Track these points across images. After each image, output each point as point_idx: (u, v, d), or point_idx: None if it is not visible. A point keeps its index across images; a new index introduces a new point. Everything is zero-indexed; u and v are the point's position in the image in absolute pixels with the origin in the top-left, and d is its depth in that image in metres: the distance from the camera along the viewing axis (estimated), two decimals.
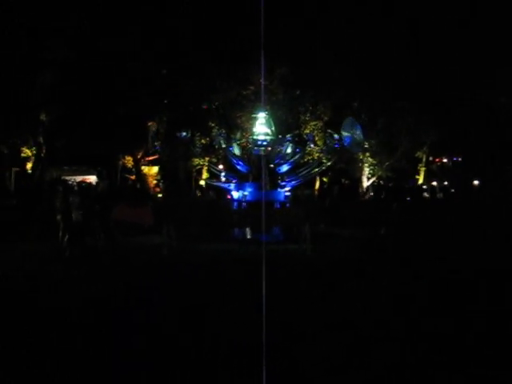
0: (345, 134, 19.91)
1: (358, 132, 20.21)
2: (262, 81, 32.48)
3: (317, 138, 33.77)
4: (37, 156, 34.92)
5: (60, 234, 15.25)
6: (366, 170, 42.04)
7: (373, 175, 42.48)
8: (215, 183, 26.50)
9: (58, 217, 15.29)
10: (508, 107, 38.95)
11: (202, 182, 39.60)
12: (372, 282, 11.72)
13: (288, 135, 21.64)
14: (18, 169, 37.27)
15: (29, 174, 35.48)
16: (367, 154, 39.18)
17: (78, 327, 8.11)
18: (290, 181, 21.06)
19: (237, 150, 21.07)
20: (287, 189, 21.01)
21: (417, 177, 47.60)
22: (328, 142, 21.74)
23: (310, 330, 8.09)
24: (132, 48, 32.41)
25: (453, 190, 49.26)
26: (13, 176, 37.20)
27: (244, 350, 6.85)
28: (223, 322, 8.35)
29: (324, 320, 8.59)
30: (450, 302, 9.94)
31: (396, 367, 6.58)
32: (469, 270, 12.98)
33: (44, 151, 34.78)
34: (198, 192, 38.51)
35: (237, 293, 10.14)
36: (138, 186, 39.65)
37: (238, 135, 24.63)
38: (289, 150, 20.88)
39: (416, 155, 45.78)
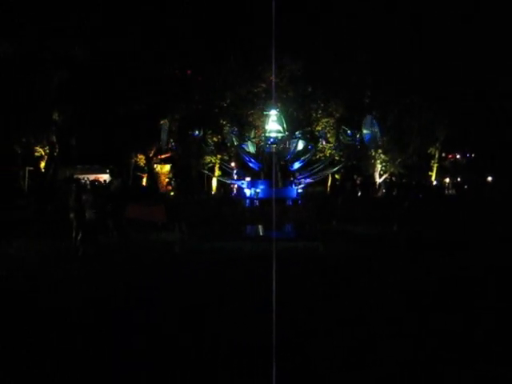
0: (365, 131, 19.92)
1: (376, 129, 20.27)
2: (272, 78, 32.56)
3: (329, 135, 33.76)
4: (50, 155, 35.19)
5: (73, 232, 15.30)
6: (378, 167, 41.99)
7: (385, 172, 42.42)
8: (227, 181, 26.55)
9: (71, 215, 15.33)
10: None
11: (214, 180, 39.73)
12: (383, 278, 11.70)
13: (297, 132, 21.58)
14: (31, 168, 37.58)
15: (42, 172, 35.76)
16: (379, 151, 39.14)
17: (90, 326, 8.19)
18: (303, 177, 21.02)
19: (251, 148, 21.02)
20: (301, 186, 20.98)
21: (429, 173, 47.45)
22: (341, 138, 21.65)
23: (321, 326, 8.11)
24: (139, 48, 32.60)
25: (466, 187, 49.12)
26: (27, 175, 37.52)
27: (254, 347, 6.89)
28: (233, 319, 8.38)
29: (336, 316, 8.61)
30: (460, 299, 9.92)
31: (407, 363, 6.60)
32: (479, 267, 12.96)
33: (57, 150, 35.05)
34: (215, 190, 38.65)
35: (248, 290, 10.15)
36: (149, 183, 39.90)
37: (252, 133, 24.65)
38: (300, 147, 20.85)
39: (428, 151, 45.65)
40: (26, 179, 37.25)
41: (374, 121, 20.44)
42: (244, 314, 8.64)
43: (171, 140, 20.71)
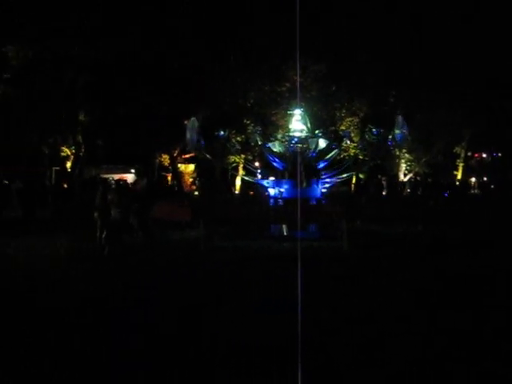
0: (397, 131, 20.05)
1: (405, 130, 20.39)
2: (297, 77, 32.51)
3: (353, 135, 33.58)
4: (76, 155, 35.58)
5: (97, 232, 15.40)
6: (403, 166, 41.72)
7: (410, 171, 42.14)
8: (251, 179, 26.55)
9: (96, 214, 15.42)
10: None
11: (238, 179, 39.78)
12: (405, 278, 11.65)
13: (317, 131, 21.52)
14: (58, 168, 38.06)
15: (68, 172, 36.19)
16: (404, 150, 38.82)
17: (106, 325, 8.29)
18: (328, 177, 20.98)
19: (280, 148, 20.95)
20: (327, 185, 20.95)
21: (455, 172, 46.96)
22: (367, 136, 21.62)
23: (339, 325, 8.11)
24: (167, 49, 32.72)
25: (492, 186, 48.56)
26: (53, 175, 37.99)
27: (258, 348, 6.91)
28: (251, 319, 8.40)
29: (351, 315, 8.64)
30: (471, 297, 9.91)
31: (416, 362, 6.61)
32: (501, 267, 12.84)
33: (83, 150, 35.44)
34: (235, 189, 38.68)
35: (271, 290, 10.16)
36: (175, 183, 40.11)
37: (280, 133, 24.63)
38: (322, 146, 20.78)
39: (454, 151, 45.21)
40: (53, 179, 37.70)
41: (405, 121, 20.52)
42: (253, 313, 8.67)
43: (200, 138, 20.55)
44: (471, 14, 34.34)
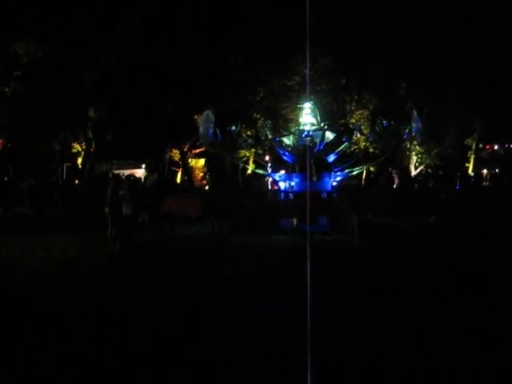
0: (414, 124, 20.12)
1: (419, 124, 20.45)
2: (306, 71, 32.38)
3: (363, 127, 33.42)
4: (86, 151, 35.72)
5: (108, 228, 15.29)
6: (414, 159, 41.48)
7: (420, 164, 41.88)
8: (261, 173, 26.51)
9: (106, 210, 15.31)
10: None
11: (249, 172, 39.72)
12: (416, 271, 11.61)
13: (322, 123, 21.41)
14: (69, 164, 38.24)
15: (79, 168, 36.36)
16: (414, 143, 38.53)
17: (125, 323, 8.31)
18: (340, 170, 20.90)
19: (293, 141, 20.84)
20: (338, 179, 20.88)
21: (466, 165, 46.62)
22: (377, 129, 21.57)
23: (347, 318, 8.12)
24: (167, 49, 32.71)
25: (505, 177, 48.21)
26: (65, 171, 38.17)
27: (256, 347, 6.90)
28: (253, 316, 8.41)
29: (361, 308, 8.64)
30: (482, 290, 9.89)
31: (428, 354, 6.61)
32: (508, 258, 12.79)
33: (93, 146, 35.57)
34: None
35: (281, 282, 10.16)
36: (185, 178, 40.13)
37: (291, 126, 24.54)
38: (330, 138, 20.68)
39: (465, 142, 44.88)
40: (64, 175, 37.88)
41: (418, 115, 20.55)
42: (264, 305, 8.68)
43: (217, 131, 20.22)
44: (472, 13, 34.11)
